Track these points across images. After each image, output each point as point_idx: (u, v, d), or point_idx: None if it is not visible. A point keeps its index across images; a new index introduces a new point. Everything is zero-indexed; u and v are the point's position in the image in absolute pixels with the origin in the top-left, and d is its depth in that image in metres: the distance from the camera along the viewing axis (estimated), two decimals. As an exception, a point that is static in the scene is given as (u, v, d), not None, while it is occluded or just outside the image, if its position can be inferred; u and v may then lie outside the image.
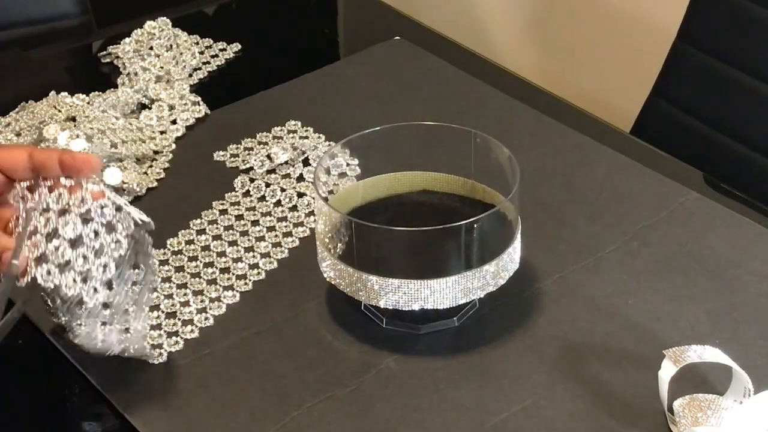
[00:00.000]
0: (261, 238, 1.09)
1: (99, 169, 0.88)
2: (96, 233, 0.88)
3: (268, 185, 1.15)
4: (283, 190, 1.15)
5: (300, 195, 1.14)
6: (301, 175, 1.17)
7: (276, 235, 1.09)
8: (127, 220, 0.89)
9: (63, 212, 0.87)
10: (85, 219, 0.87)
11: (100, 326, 0.89)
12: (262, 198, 1.14)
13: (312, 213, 1.12)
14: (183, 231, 1.10)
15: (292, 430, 0.90)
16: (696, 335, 0.96)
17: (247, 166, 1.18)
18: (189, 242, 1.08)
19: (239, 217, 1.11)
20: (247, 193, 1.15)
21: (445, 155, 1.05)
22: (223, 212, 1.12)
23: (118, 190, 1.16)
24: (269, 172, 1.17)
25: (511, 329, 0.98)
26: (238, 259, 1.06)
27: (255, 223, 1.11)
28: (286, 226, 1.10)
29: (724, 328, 0.97)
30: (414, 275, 0.93)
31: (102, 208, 0.88)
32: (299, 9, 1.57)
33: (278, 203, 1.13)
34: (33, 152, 0.88)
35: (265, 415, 0.91)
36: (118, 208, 0.89)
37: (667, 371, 0.87)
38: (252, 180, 1.16)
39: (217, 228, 1.10)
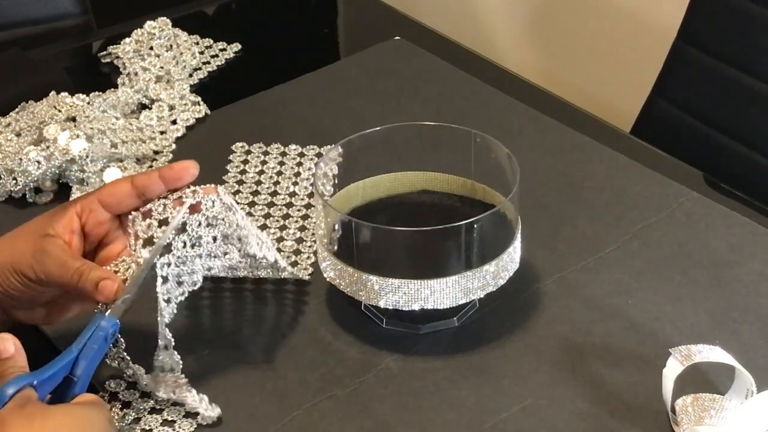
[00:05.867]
0: (283, 227, 1.09)
1: (197, 171, 0.90)
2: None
3: (275, 189, 1.16)
4: (275, 196, 1.15)
5: (301, 212, 1.13)
6: (296, 180, 1.17)
7: (292, 245, 1.09)
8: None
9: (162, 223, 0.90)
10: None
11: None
12: (271, 202, 1.14)
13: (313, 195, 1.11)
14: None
15: (292, 430, 0.90)
16: (696, 335, 0.96)
17: (254, 178, 1.18)
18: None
19: (252, 204, 1.12)
20: (253, 201, 1.15)
21: (445, 155, 1.05)
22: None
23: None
24: (274, 187, 1.17)
25: (511, 329, 0.98)
26: (278, 250, 1.06)
27: (266, 216, 1.11)
28: (298, 210, 1.10)
29: (724, 328, 0.97)
30: (414, 275, 0.93)
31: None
32: (299, 9, 1.57)
33: (286, 216, 1.13)
34: (134, 179, 0.90)
35: (265, 415, 0.91)
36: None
37: (671, 370, 0.87)
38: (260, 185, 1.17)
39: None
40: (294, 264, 1.05)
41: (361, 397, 0.93)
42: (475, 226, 0.92)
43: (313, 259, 1.06)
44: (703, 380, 0.91)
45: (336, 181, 1.03)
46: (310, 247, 1.07)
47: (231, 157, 1.20)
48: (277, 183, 1.16)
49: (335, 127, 1.23)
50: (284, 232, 1.09)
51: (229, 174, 1.18)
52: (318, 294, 1.03)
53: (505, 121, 1.25)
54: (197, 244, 0.90)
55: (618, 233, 1.08)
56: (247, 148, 1.21)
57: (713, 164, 1.32)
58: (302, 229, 1.10)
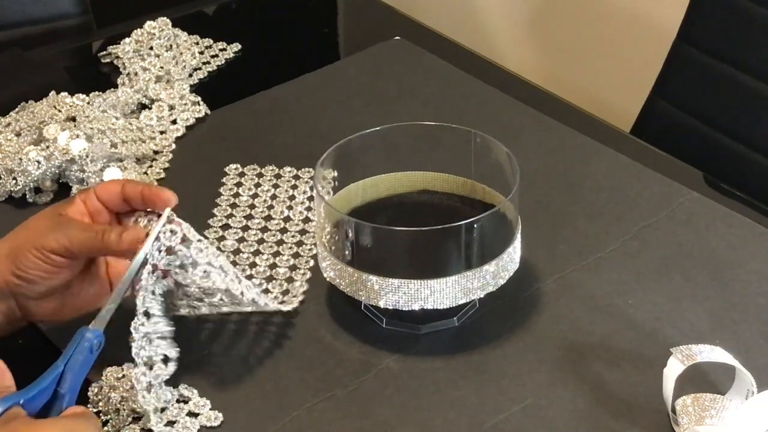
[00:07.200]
0: (277, 253, 1.07)
1: (171, 203, 0.92)
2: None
3: (275, 196, 1.15)
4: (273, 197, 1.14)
5: (295, 239, 1.11)
6: (295, 184, 1.17)
7: (291, 248, 1.08)
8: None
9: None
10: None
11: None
12: (271, 206, 1.14)
13: (308, 220, 1.11)
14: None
15: (292, 430, 0.90)
16: (696, 335, 0.96)
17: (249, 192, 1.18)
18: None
19: (245, 229, 1.10)
20: (252, 206, 1.15)
21: (445, 155, 1.05)
22: (226, 226, 1.12)
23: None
24: (268, 211, 1.15)
25: (511, 329, 0.98)
26: (271, 278, 1.05)
27: (260, 242, 1.09)
28: (292, 236, 1.10)
29: (724, 328, 0.97)
30: (414, 275, 0.93)
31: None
32: (299, 9, 1.57)
33: (287, 221, 1.13)
34: (125, 185, 0.94)
35: (265, 415, 0.91)
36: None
37: (672, 369, 0.87)
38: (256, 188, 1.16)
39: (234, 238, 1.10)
40: (285, 292, 1.03)
41: (361, 397, 0.93)
42: (475, 226, 0.92)
43: (306, 287, 1.03)
44: (704, 380, 0.91)
45: (336, 182, 1.03)
46: (303, 274, 1.05)
47: (224, 179, 1.18)
48: (271, 207, 1.14)
49: (335, 127, 1.23)
50: (278, 258, 1.07)
51: (222, 197, 1.15)
52: (318, 294, 1.03)
53: (505, 121, 1.25)
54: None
55: (618, 233, 1.08)
56: (240, 170, 1.19)
57: (713, 164, 1.32)
58: (296, 256, 1.07)
